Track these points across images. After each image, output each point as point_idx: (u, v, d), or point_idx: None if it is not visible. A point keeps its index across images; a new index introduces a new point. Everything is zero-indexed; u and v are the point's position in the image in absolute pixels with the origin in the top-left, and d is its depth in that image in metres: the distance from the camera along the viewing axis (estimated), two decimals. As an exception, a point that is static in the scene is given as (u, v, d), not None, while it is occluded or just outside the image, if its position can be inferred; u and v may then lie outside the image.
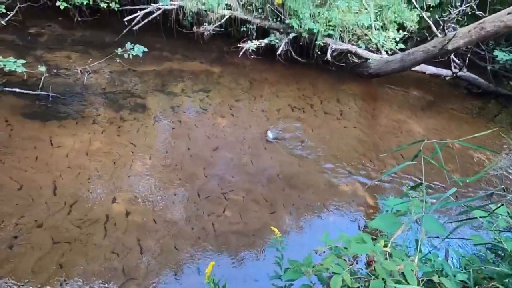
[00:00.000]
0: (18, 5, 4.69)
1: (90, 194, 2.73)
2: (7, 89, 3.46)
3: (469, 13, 5.08)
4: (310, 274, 1.24)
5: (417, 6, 5.01)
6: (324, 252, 1.34)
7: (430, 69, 5.09)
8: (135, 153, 3.19)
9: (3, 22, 4.46)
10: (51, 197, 2.65)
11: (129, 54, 3.96)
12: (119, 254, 2.35)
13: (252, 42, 5.06)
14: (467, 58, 5.22)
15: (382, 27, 5.22)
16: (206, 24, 5.15)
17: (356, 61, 5.35)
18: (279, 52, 5.01)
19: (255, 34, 5.24)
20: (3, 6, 4.36)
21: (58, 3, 4.81)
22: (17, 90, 3.49)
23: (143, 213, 2.66)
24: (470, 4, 4.90)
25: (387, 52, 5.18)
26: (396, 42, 5.20)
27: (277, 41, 5.09)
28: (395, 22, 5.38)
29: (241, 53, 5.06)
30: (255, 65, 5.09)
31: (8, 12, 4.52)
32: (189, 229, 2.61)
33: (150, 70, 4.52)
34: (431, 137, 4.11)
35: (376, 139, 3.99)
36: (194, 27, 5.22)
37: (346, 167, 3.46)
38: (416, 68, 5.00)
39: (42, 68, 3.60)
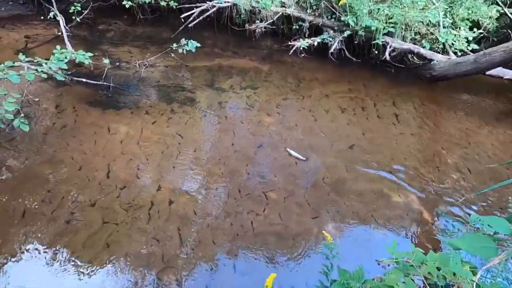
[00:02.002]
0: (91, 4, 5.17)
1: (138, 181, 2.85)
2: (75, 78, 3.80)
3: None
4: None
5: (498, 0, 4.38)
6: (388, 265, 1.16)
7: (510, 74, 4.41)
8: (182, 144, 3.27)
9: (78, 19, 4.95)
10: (104, 179, 2.83)
11: (183, 49, 4.10)
12: (160, 241, 2.40)
13: (303, 40, 4.90)
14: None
15: (452, 24, 4.67)
16: (258, 21, 5.13)
17: (418, 62, 4.88)
18: (331, 50, 4.78)
19: (307, 32, 5.07)
20: (79, 5, 4.83)
21: (124, 2, 5.19)
22: (83, 80, 3.82)
23: (185, 203, 2.70)
24: None
25: (455, 53, 4.62)
26: (467, 42, 4.61)
27: (330, 39, 4.86)
28: (467, 19, 4.78)
29: (291, 51, 4.94)
30: (305, 63, 4.93)
31: (83, 11, 5.00)
32: (228, 225, 2.57)
33: (201, 65, 4.63)
34: (508, 152, 3.55)
35: (438, 148, 3.56)
36: (246, 25, 5.24)
37: (400, 176, 3.13)
38: (492, 72, 4.38)
39: (106, 61, 3.89)
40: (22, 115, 2.92)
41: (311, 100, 4.16)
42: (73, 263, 2.23)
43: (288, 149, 3.30)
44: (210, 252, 2.38)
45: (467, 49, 4.57)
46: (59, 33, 4.73)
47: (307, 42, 4.86)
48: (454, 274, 0.90)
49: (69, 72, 3.63)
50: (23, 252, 2.27)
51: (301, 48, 4.90)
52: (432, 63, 4.56)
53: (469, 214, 2.80)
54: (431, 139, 3.68)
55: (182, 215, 2.60)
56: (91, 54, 3.74)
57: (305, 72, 4.74)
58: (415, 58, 4.90)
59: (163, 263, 2.28)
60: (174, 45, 4.16)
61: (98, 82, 3.87)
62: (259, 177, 3.02)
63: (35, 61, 3.23)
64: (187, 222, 2.56)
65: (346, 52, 4.92)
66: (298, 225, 2.63)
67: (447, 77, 4.47)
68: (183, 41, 4.12)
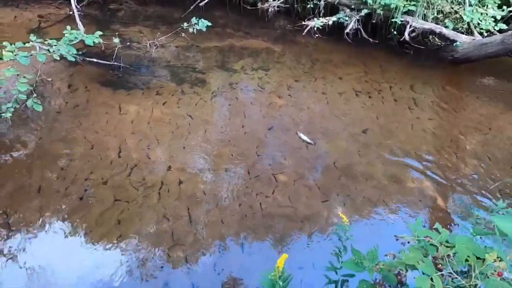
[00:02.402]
0: (102, -18, 5.10)
1: (149, 160, 2.87)
2: (87, 58, 3.80)
3: None
4: (373, 271, 1.04)
5: (532, -25, 4.04)
6: (408, 242, 1.11)
7: (539, 56, 4.13)
8: (192, 125, 3.25)
9: (89, -2, 4.90)
10: (116, 158, 2.86)
11: (194, 28, 4.01)
12: (170, 220, 2.43)
13: (318, 19, 4.70)
14: None
15: (479, 2, 4.37)
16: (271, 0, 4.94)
17: (439, 43, 4.63)
18: (347, 30, 4.58)
19: (322, 11, 4.86)
20: (90, -17, 4.77)
21: (135, -20, 5.09)
22: (95, 60, 3.81)
23: (194, 184, 2.71)
24: None
25: (481, 33, 4.35)
26: (495, 21, 4.32)
27: (346, 18, 4.65)
28: (497, -4, 4.46)
29: (305, 31, 4.77)
30: (319, 44, 4.76)
31: (94, -11, 4.94)
32: (237, 206, 2.57)
33: (212, 46, 4.54)
34: (531, 138, 3.37)
35: (456, 134, 3.41)
36: (259, 3, 5.07)
37: (415, 162, 3.03)
38: (520, 53, 4.11)
39: (116, 40, 3.85)
40: (35, 95, 2.95)
41: (325, 82, 4.03)
42: (85, 238, 2.30)
43: (298, 132, 3.23)
44: (218, 232, 2.39)
45: (494, 29, 4.29)
46: (71, 12, 4.70)
47: (321, 22, 4.67)
48: (478, 258, 0.85)
49: (80, 52, 3.62)
50: (38, 226, 2.35)
51: (315, 28, 4.72)
52: (454, 44, 4.31)
53: (485, 202, 2.71)
54: (449, 124, 3.53)
55: (191, 195, 2.62)
56: (100, 33, 3.70)
57: (319, 53, 4.58)
58: (436, 39, 4.65)
59: (173, 240, 2.32)
60: (185, 24, 4.07)
61: (109, 62, 3.86)
62: (269, 159, 2.98)
63: (45, 42, 3.23)
64: (196, 202, 2.58)
65: (363, 33, 4.71)
66: (308, 208, 2.60)
67: (471, 59, 4.23)
68: (193, 20, 4.03)
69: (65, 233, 2.32)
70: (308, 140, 3.15)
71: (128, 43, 4.36)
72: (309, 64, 4.35)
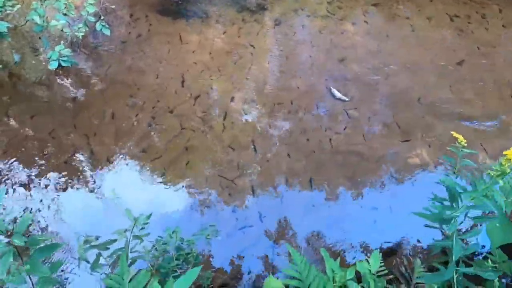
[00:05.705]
0: None
1: (212, 91, 2.77)
2: (146, -16, 3.62)
3: None
4: None
5: None
6: None
7: None
8: (254, 55, 3.01)
9: None
10: (179, 88, 2.81)
11: None
12: (235, 150, 2.38)
13: None
14: None
15: None
16: None
17: None
18: None
19: None
20: None
21: None
22: (153, -14, 3.62)
23: (258, 115, 2.57)
24: None
25: None
26: None
27: None
28: None
29: None
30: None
31: None
32: (304, 140, 2.40)
33: (274, -33, 3.98)
34: None
35: None
36: None
37: (527, 101, 2.46)
38: None
39: (174, -38, 3.56)
40: (102, 17, 2.92)
41: (409, 5, 3.34)
42: (156, 162, 2.38)
43: (331, 88, 2.69)
44: (285, 165, 2.29)
45: None
46: None
47: None
48: None
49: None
50: (114, 148, 2.47)
51: None
52: None
53: None
54: None
55: (255, 127, 2.50)
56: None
57: (403, -30, 3.75)
58: None
59: (238, 170, 2.28)
60: None
61: (167, -11, 3.64)
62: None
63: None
64: (261, 134, 2.46)
65: None
66: (383, 147, 2.33)
67: None
68: None
69: (137, 157, 2.42)
70: (344, 98, 2.61)
71: (185, -32, 4.03)
72: (391, -16, 3.60)
